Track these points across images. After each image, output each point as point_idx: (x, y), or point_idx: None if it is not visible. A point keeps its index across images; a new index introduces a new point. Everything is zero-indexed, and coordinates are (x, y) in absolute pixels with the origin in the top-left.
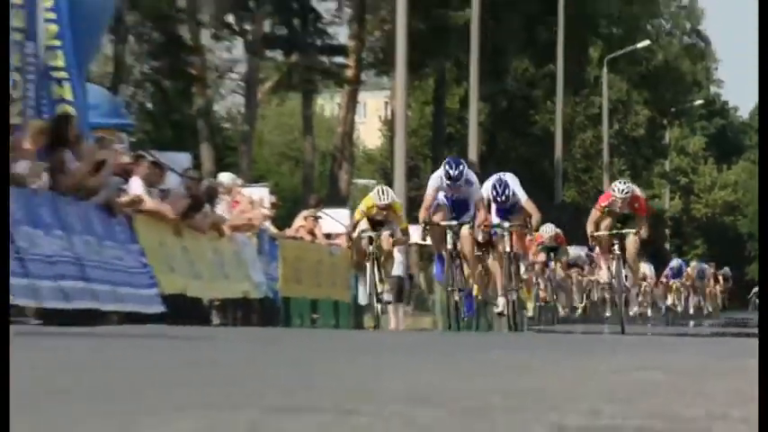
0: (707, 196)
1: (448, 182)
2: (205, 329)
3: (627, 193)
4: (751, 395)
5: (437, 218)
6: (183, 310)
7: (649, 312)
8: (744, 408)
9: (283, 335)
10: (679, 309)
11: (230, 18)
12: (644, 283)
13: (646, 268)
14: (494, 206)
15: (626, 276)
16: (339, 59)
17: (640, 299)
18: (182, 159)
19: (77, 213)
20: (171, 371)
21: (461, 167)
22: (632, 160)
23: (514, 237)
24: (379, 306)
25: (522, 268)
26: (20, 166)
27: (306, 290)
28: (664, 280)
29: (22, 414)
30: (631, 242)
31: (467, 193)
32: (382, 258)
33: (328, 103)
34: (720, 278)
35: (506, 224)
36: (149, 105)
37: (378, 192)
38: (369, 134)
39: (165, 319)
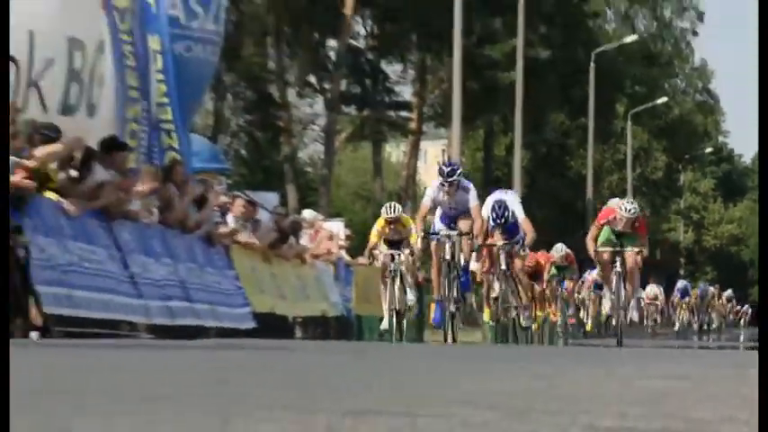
0: (715, 229)
1: (441, 179)
2: (289, 342)
3: (633, 213)
4: (752, 399)
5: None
6: (271, 327)
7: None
8: (747, 411)
9: (356, 347)
10: (687, 324)
11: (312, 78)
12: (657, 302)
13: (657, 290)
14: (492, 224)
15: (625, 292)
16: (404, 113)
17: (642, 314)
18: (270, 198)
19: (182, 244)
20: (260, 377)
21: (455, 167)
22: (652, 199)
23: (515, 256)
24: (394, 319)
25: (537, 287)
26: (134, 204)
27: (374, 308)
28: (673, 300)
29: (141, 410)
30: (632, 259)
31: (463, 202)
32: (408, 275)
33: (395, 151)
34: (724, 298)
35: (500, 242)
36: (243, 152)
37: (386, 207)
38: (429, 177)
39: (255, 333)
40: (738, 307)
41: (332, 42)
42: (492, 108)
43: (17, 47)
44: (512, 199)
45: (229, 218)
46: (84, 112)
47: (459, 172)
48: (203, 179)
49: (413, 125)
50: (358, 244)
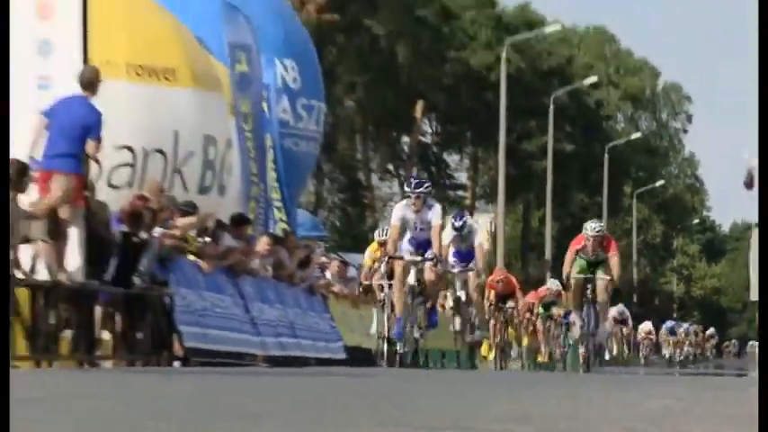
0: (701, 282)
1: (409, 190)
2: (373, 369)
3: (599, 231)
4: (735, 416)
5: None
6: (358, 358)
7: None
8: (735, 427)
9: (424, 374)
10: (675, 357)
11: (390, 166)
12: (651, 336)
13: (651, 326)
14: (452, 249)
15: (596, 319)
16: (461, 192)
17: (616, 344)
18: (358, 259)
19: (291, 294)
20: (351, 398)
21: (423, 180)
22: (651, 259)
23: (471, 280)
24: (386, 346)
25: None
26: (254, 263)
27: (437, 342)
28: (663, 336)
29: (262, 418)
30: (602, 287)
31: (428, 221)
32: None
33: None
34: (707, 335)
35: (456, 269)
36: (338, 223)
37: (379, 231)
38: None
39: (346, 363)
40: (717, 341)
41: (405, 139)
42: (528, 189)
43: (164, 142)
44: (478, 224)
45: (327, 274)
46: (216, 193)
47: (426, 186)
48: (307, 244)
49: (467, 201)
50: None
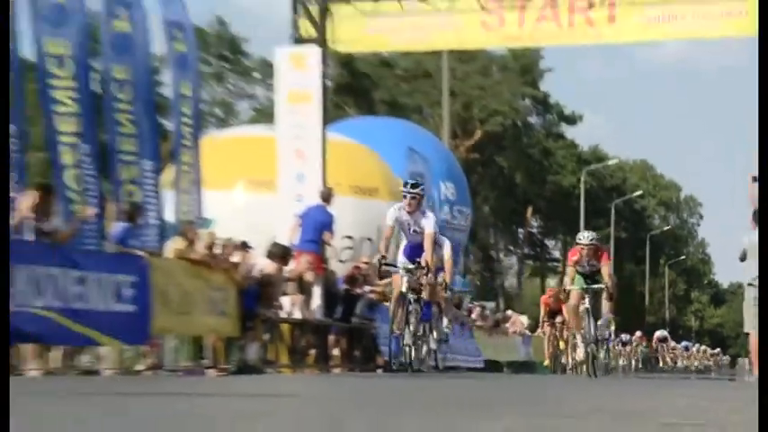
0: (709, 320)
1: (404, 190)
2: (499, 375)
3: (592, 240)
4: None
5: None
6: (491, 367)
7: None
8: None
9: (534, 378)
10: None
11: (510, 247)
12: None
13: (665, 333)
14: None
15: (595, 328)
16: (555, 264)
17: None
18: (492, 305)
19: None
20: (489, 393)
21: (419, 181)
22: (677, 305)
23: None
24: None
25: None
26: None
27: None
28: (679, 351)
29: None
30: (599, 296)
31: (422, 227)
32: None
33: (552, 280)
34: (712, 353)
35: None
36: (477, 283)
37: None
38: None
39: (483, 370)
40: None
41: (521, 230)
42: None
43: (371, 233)
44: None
45: (473, 315)
46: None
47: (421, 188)
48: (459, 296)
49: (559, 269)
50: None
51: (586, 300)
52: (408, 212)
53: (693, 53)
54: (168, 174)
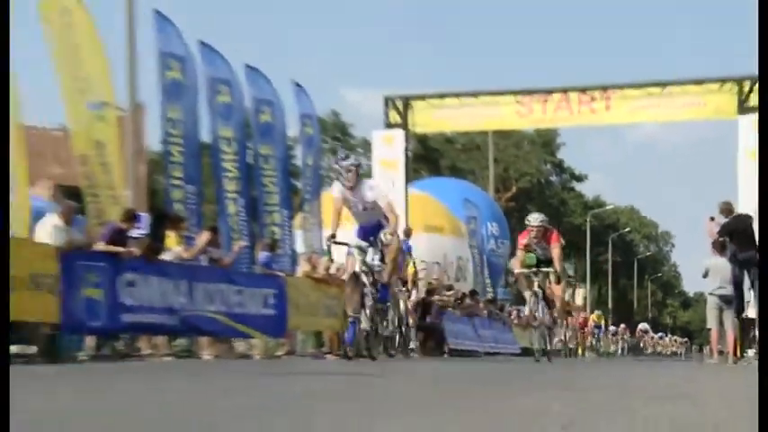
0: (680, 319)
1: (338, 166)
2: (530, 360)
3: (541, 222)
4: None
5: None
6: (526, 354)
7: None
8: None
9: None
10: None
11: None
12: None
13: (647, 326)
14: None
15: (546, 312)
16: (570, 279)
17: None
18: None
19: (495, 325)
20: (524, 376)
21: (351, 155)
22: (658, 309)
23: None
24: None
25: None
26: (481, 311)
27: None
28: (655, 339)
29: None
30: (547, 279)
31: (371, 201)
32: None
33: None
34: (681, 341)
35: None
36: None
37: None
38: None
39: (518, 356)
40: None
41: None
42: (602, 278)
43: (439, 258)
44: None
45: (512, 315)
46: (462, 281)
47: (355, 161)
48: (502, 304)
49: (573, 282)
50: None
51: (535, 283)
52: (350, 188)
53: (667, 131)
54: (298, 218)
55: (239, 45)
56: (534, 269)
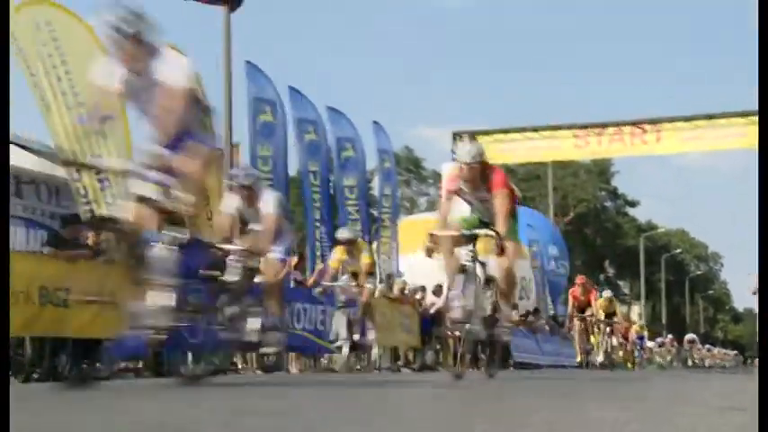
0: (732, 334)
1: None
2: (586, 370)
3: (474, 156)
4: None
5: None
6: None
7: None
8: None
9: (611, 374)
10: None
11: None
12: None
13: (694, 336)
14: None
15: (488, 298)
16: (624, 297)
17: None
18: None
19: (553, 341)
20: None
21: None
22: (710, 324)
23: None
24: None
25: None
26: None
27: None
28: (704, 352)
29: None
30: (486, 249)
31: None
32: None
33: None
34: (733, 354)
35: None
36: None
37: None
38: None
39: (578, 367)
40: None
41: (601, 275)
42: (655, 295)
43: None
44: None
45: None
46: (525, 299)
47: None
48: (562, 318)
49: (628, 299)
50: None
51: (463, 253)
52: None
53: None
54: (376, 244)
55: (323, 87)
56: (466, 232)
